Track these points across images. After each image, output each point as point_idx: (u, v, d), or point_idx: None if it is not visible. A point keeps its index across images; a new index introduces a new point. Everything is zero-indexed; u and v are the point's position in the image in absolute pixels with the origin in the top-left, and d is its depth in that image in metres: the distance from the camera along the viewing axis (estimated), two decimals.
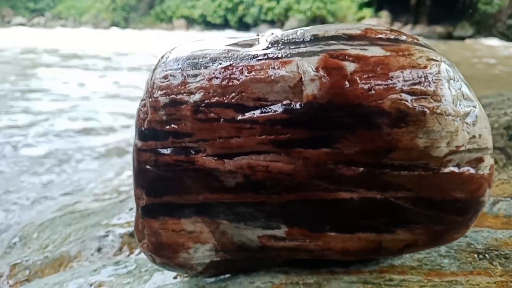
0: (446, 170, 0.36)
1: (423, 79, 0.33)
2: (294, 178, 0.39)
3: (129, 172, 1.67)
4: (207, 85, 0.39)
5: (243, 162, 0.40)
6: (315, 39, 0.38)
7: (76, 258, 0.76)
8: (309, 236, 0.44)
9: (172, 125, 0.41)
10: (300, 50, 0.37)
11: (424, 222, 0.41)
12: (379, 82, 0.33)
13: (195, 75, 0.40)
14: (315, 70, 0.34)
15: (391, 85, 0.33)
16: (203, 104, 0.39)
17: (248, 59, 0.38)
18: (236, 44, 0.42)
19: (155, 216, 0.46)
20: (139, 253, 0.73)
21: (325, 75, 0.34)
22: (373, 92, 0.33)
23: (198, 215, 0.46)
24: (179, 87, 0.40)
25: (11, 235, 1.03)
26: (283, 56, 0.37)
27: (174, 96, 0.40)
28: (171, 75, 0.41)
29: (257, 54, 0.39)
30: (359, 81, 0.33)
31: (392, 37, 0.37)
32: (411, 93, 0.33)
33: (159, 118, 0.41)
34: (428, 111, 0.33)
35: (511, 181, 0.71)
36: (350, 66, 0.33)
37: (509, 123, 0.80)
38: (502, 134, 0.78)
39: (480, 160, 0.37)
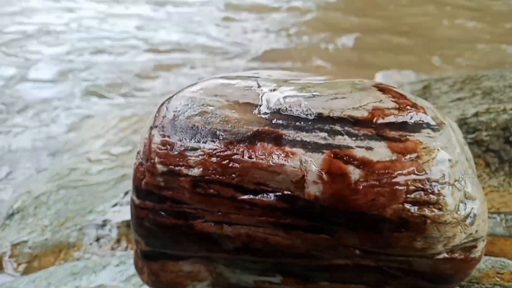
0: (440, 256, 0.37)
1: (427, 187, 0.33)
2: (292, 249, 0.40)
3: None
4: (207, 162, 0.38)
5: (241, 231, 0.40)
6: (319, 118, 0.36)
7: (75, 247, 0.79)
8: (303, 285, 0.46)
9: (170, 192, 0.40)
10: (304, 136, 0.35)
11: (413, 286, 0.43)
12: (383, 192, 0.32)
13: (195, 149, 0.38)
14: (319, 172, 0.33)
15: (394, 196, 0.32)
16: (202, 180, 0.38)
17: (249, 137, 0.37)
18: (236, 104, 0.40)
19: (154, 259, 0.48)
20: None
21: (329, 180, 0.33)
22: (376, 202, 0.32)
23: (196, 258, 0.47)
24: (178, 159, 0.39)
25: (8, 203, 1.05)
26: (286, 142, 0.36)
27: (173, 167, 0.39)
28: (169, 144, 0.39)
29: (258, 131, 0.37)
30: (362, 191, 0.32)
31: (400, 119, 0.36)
32: (413, 202, 0.33)
33: (157, 183, 0.41)
34: (429, 220, 0.33)
35: (500, 189, 0.72)
36: (354, 174, 0.33)
37: (507, 123, 0.79)
38: (499, 135, 0.78)
39: (473, 247, 0.38)
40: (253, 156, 0.36)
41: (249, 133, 0.37)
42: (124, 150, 1.22)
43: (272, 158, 0.35)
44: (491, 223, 0.65)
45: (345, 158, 0.33)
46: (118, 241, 0.77)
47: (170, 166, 0.39)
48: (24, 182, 1.17)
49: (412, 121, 0.36)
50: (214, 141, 0.38)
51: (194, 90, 0.43)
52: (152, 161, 0.40)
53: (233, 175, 0.37)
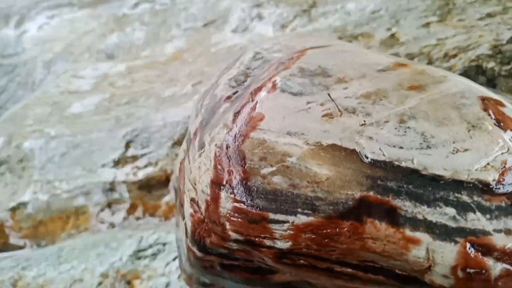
0: None
1: None
2: None
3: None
4: (299, 238, 0.31)
5: (327, 283, 0.36)
6: (439, 182, 0.29)
7: (84, 214, 0.73)
8: None
9: (244, 253, 0.34)
10: (427, 214, 0.29)
11: None
12: None
13: (281, 222, 0.31)
14: (452, 268, 0.28)
15: None
16: (291, 253, 0.32)
17: (352, 210, 0.30)
18: (320, 148, 0.32)
19: (213, 285, 0.44)
20: (154, 214, 0.71)
21: (464, 278, 0.28)
22: None
23: None
24: (258, 231, 0.32)
25: None
26: (404, 221, 0.29)
27: (252, 238, 0.32)
28: (245, 213, 0.32)
29: (361, 200, 0.30)
30: (502, 286, 0.28)
31: None
32: None
33: (229, 246, 0.34)
34: None
35: None
36: (495, 270, 0.27)
37: None
38: None
39: None
40: (361, 239, 0.30)
41: (350, 203, 0.30)
42: (100, 72, 1.06)
43: (387, 243, 0.29)
44: None
45: (483, 249, 0.28)
46: (133, 206, 0.72)
47: (248, 236, 0.32)
48: None
49: None
50: (306, 214, 0.30)
51: (259, 125, 0.34)
52: (222, 226, 0.33)
53: (332, 252, 0.31)
